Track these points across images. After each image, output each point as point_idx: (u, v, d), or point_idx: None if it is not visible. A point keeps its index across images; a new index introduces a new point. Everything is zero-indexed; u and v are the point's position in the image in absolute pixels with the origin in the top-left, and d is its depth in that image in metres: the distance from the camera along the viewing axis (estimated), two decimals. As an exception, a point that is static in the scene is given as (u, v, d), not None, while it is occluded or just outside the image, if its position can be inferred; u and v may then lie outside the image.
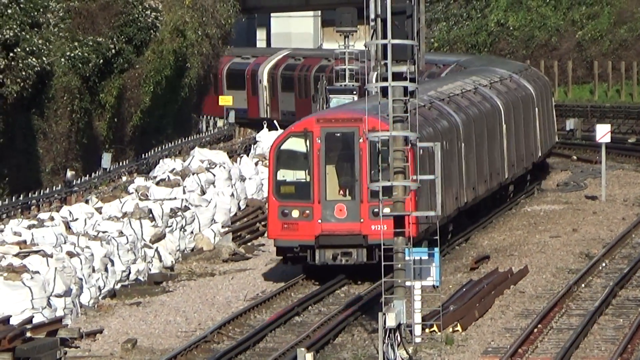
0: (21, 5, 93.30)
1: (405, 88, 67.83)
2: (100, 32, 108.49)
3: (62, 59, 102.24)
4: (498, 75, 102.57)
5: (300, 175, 47.83)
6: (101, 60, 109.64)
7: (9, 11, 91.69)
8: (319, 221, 47.44)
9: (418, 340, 68.27)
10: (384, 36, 67.55)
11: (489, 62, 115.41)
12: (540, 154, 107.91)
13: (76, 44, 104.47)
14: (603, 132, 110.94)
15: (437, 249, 70.28)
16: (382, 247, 50.42)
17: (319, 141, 47.03)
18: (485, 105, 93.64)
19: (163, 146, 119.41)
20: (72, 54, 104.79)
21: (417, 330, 68.46)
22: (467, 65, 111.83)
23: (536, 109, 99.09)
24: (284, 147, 48.77)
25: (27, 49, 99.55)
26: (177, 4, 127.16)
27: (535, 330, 70.69)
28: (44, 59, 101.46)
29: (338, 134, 47.07)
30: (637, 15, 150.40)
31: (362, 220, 47.28)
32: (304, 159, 47.78)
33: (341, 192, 47.24)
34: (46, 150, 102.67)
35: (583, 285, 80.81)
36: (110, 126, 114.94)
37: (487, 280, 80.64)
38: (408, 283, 67.89)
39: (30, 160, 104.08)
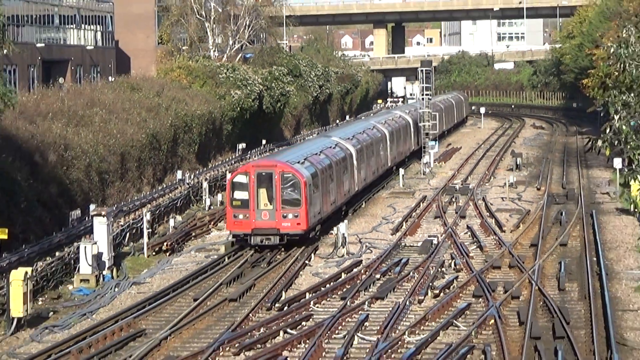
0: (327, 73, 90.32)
1: (429, 98, 64.21)
2: (345, 83, 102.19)
3: (335, 90, 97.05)
4: (446, 97, 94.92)
5: (244, 195, 36.04)
6: (345, 91, 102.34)
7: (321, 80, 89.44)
8: (254, 220, 36.04)
9: (432, 165, 61.82)
10: (422, 83, 64.16)
11: (453, 94, 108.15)
12: (456, 121, 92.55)
13: (338, 86, 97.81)
14: (483, 110, 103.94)
15: (437, 141, 65.20)
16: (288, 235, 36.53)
17: (253, 177, 36.19)
18: (441, 105, 79.14)
19: (362, 115, 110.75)
20: (338, 89, 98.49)
21: (431, 163, 62.28)
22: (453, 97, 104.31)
23: (446, 109, 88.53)
24: (235, 180, 36.77)
25: (324, 86, 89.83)
26: (365, 75, 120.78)
27: (463, 162, 65.69)
28: (330, 90, 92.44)
29: (264, 173, 36.25)
30: (492, 78, 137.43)
31: (276, 220, 36.08)
32: (245, 186, 36.02)
33: (266, 204, 38.43)
34: (331, 115, 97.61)
35: (476, 151, 73.44)
36: (347, 108, 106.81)
37: (450, 149, 75.33)
38: (430, 150, 62.19)
39: (325, 117, 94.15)
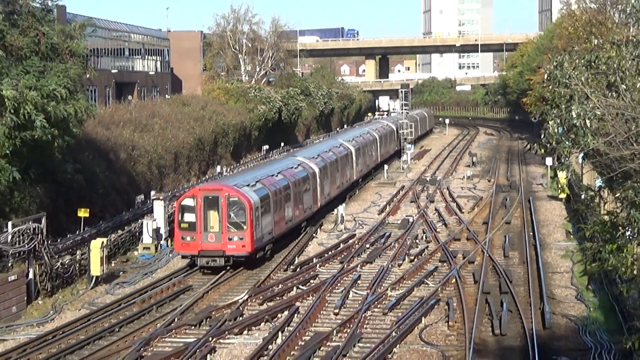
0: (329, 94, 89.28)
1: (407, 112, 66.74)
2: (344, 100, 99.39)
3: (336, 106, 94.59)
4: (419, 111, 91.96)
5: (191, 218, 27.85)
6: (344, 106, 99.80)
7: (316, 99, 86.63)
8: (200, 242, 27.65)
9: (409, 162, 60.79)
10: (402, 100, 62.70)
11: (425, 109, 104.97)
12: (421, 132, 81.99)
13: (338, 103, 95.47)
14: (447, 121, 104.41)
15: (413, 145, 65.87)
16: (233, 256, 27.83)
17: (201, 200, 27.77)
18: (415, 117, 76.45)
19: (358, 124, 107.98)
20: (339, 105, 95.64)
21: (408, 160, 61.24)
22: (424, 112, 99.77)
23: (419, 120, 79.29)
24: (183, 203, 27.98)
25: (328, 102, 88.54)
26: (359, 94, 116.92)
27: (432, 160, 64.55)
28: (332, 105, 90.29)
29: (210, 197, 27.79)
30: (454, 97, 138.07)
31: (222, 242, 27.58)
32: (193, 209, 27.82)
33: (212, 226, 27.86)
34: (333, 124, 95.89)
35: (442, 152, 72.82)
36: (345, 119, 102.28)
37: (422, 150, 73.27)
38: (407, 151, 61.91)
39: (328, 126, 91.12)
